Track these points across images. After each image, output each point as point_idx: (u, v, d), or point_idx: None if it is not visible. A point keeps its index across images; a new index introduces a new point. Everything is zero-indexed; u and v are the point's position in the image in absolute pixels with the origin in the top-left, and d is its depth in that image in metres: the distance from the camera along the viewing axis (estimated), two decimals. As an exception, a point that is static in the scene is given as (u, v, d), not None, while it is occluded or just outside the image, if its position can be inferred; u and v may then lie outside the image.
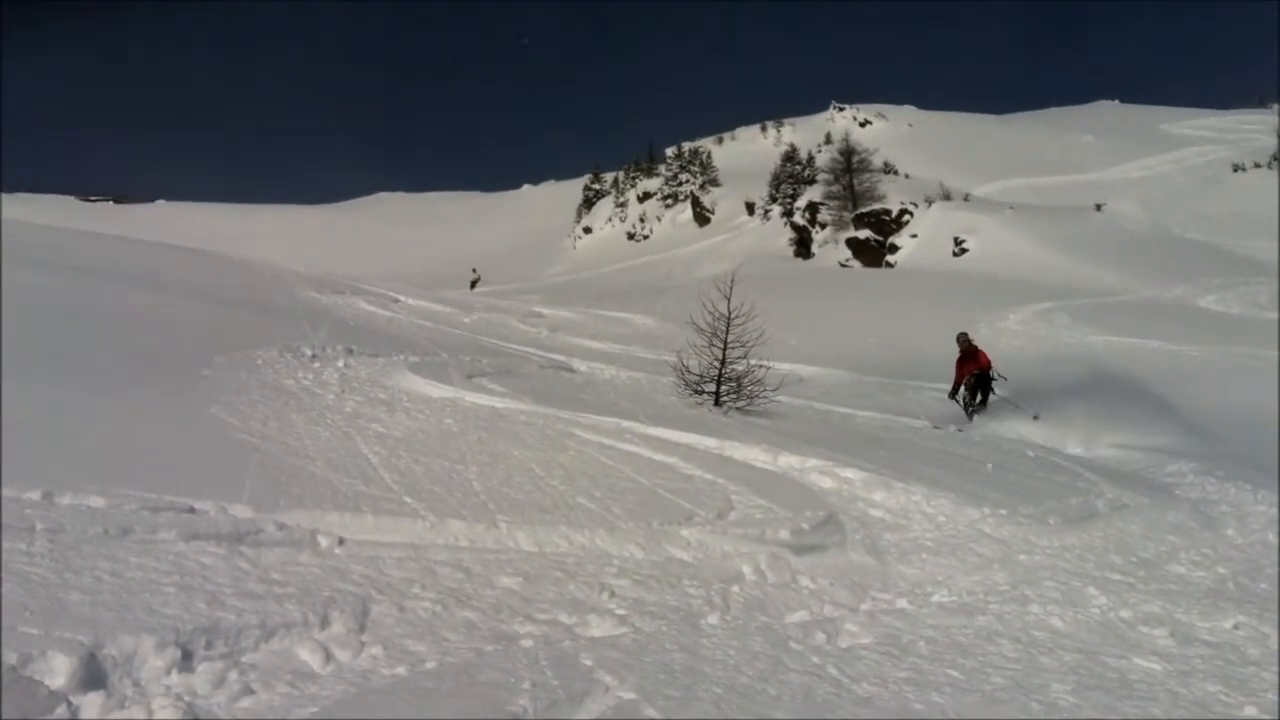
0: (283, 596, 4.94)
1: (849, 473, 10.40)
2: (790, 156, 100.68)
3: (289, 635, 4.53)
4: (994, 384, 19.69)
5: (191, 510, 6.09)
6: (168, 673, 4.05)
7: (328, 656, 4.40)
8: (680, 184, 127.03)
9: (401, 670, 4.38)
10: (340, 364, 14.41)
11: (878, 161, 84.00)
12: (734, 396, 16.70)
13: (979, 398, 19.49)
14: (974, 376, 19.47)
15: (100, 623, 4.22)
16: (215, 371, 11.82)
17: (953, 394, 19.77)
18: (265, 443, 8.57)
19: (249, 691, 4.03)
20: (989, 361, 19.68)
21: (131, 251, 27.70)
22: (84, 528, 5.43)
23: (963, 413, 19.60)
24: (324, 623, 4.72)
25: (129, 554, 5.16)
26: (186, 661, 4.14)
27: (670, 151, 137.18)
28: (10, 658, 3.76)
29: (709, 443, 11.74)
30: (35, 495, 5.78)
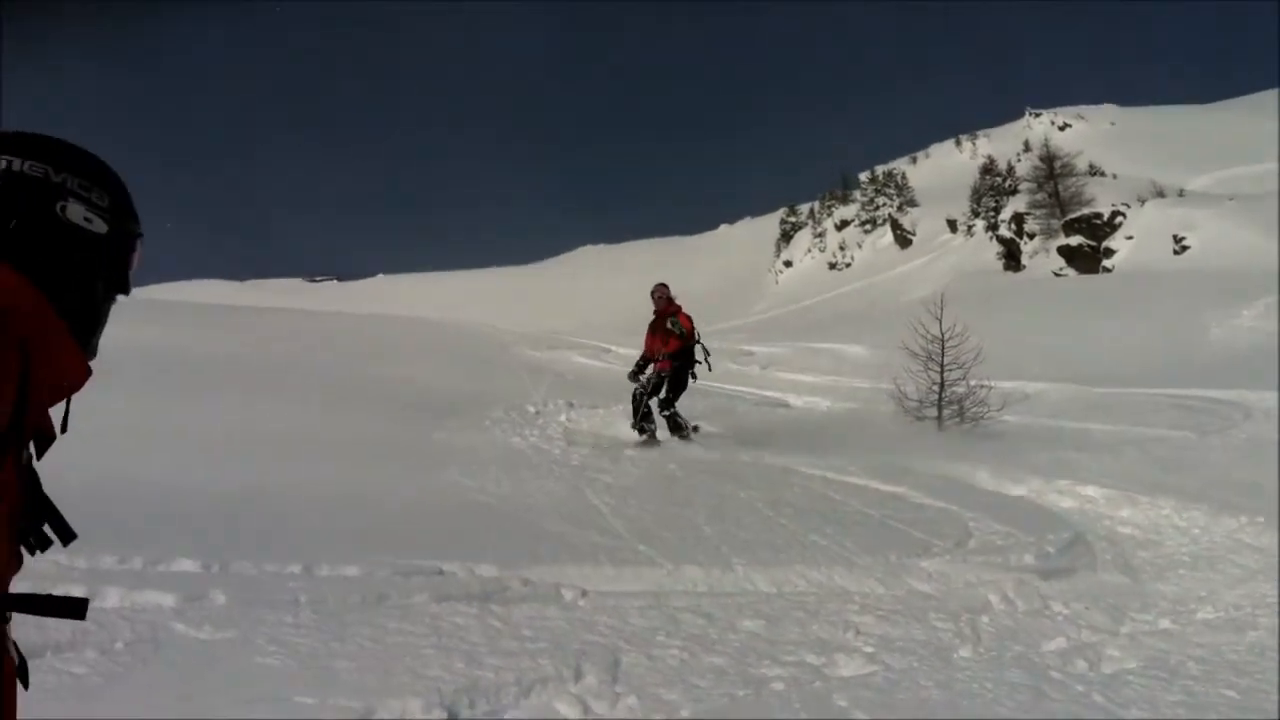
0: (535, 652, 5.05)
1: (1090, 490, 10.02)
2: (989, 168, 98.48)
3: (545, 690, 4.62)
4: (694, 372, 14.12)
5: (440, 572, 6.31)
6: (435, 735, 4.18)
7: (585, 709, 4.46)
8: (877, 208, 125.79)
9: (658, 719, 4.41)
10: (562, 418, 14.74)
11: (1082, 164, 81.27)
12: (957, 420, 16.33)
13: (663, 392, 13.82)
14: (661, 356, 13.84)
15: (368, 688, 4.40)
16: (447, 435, 12.26)
17: (633, 374, 14.15)
18: (501, 502, 8.83)
19: (513, 748, 4.13)
20: (691, 330, 13.88)
21: (357, 327, 29.03)
22: (343, 596, 5.69)
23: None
24: (578, 675, 4.79)
25: (387, 619, 5.37)
26: (452, 721, 4.27)
27: (864, 176, 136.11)
28: (291, 727, 3.95)
29: (936, 468, 11.50)
30: (296, 569, 6.10)
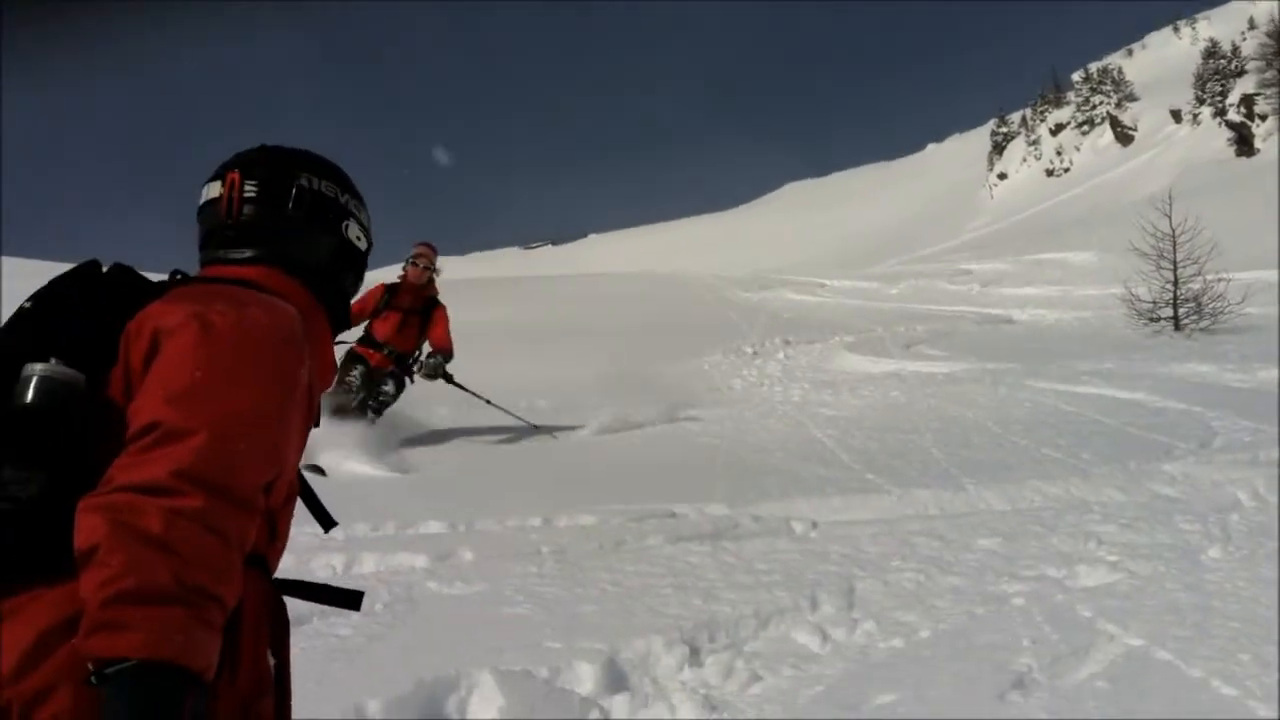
0: (770, 584, 5.12)
1: (1343, 375, 9.45)
2: (1212, 52, 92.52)
3: (783, 620, 4.68)
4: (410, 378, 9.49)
5: (673, 515, 6.45)
6: (680, 669, 4.29)
7: (824, 637, 4.51)
8: (1094, 108, 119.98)
9: (898, 642, 4.42)
10: (780, 356, 14.76)
11: (1315, 33, 75.47)
12: (1195, 318, 15.62)
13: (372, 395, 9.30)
14: (385, 350, 9.30)
15: (612, 629, 4.55)
16: (671, 381, 12.46)
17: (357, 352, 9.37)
18: (726, 442, 8.94)
19: (757, 678, 4.20)
20: (442, 334, 9.33)
21: (574, 287, 29.66)
22: (582, 544, 5.89)
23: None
24: (814, 605, 4.84)
25: (625, 563, 5.54)
26: (695, 656, 4.37)
27: (1077, 76, 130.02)
28: (542, 671, 4.14)
29: (1175, 370, 11.04)
30: (536, 521, 6.35)
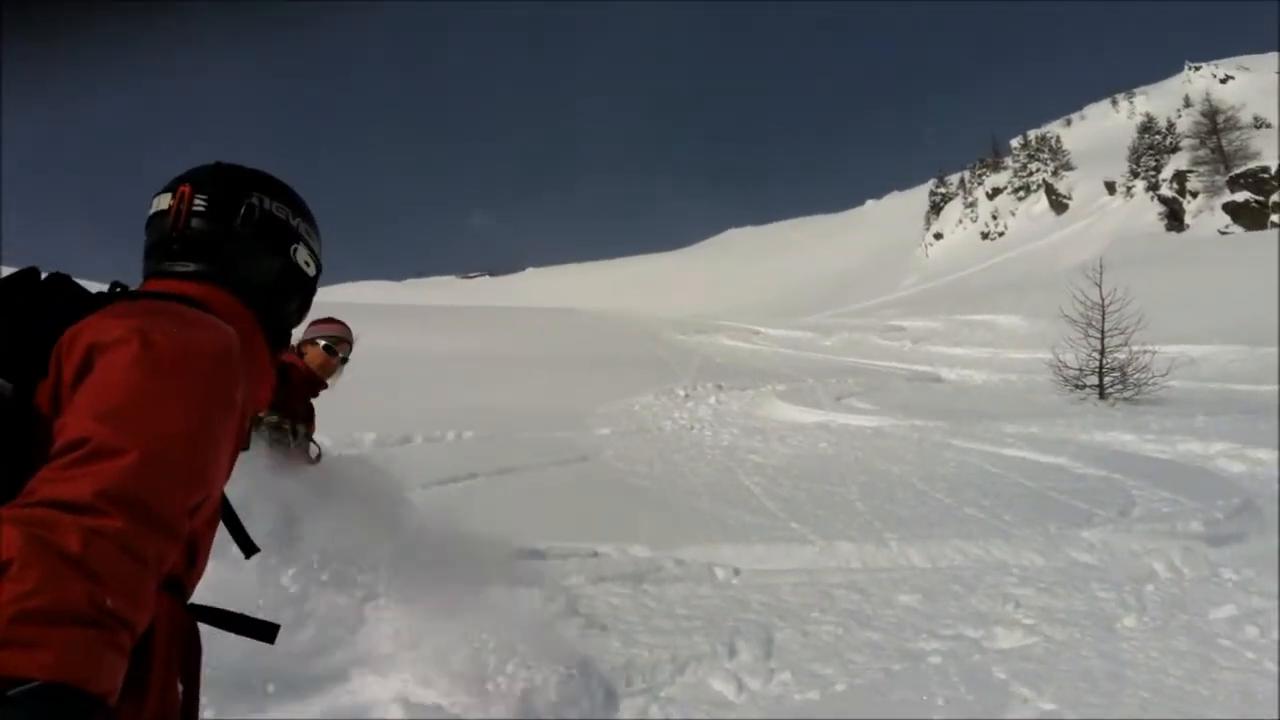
0: (690, 630, 5.10)
1: (1261, 454, 9.64)
2: (1148, 127, 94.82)
3: (701, 667, 4.66)
4: None
5: (595, 554, 6.42)
6: (594, 712, 4.25)
7: (740, 685, 4.49)
8: (1031, 174, 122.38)
9: (813, 694, 4.41)
10: (712, 400, 14.80)
11: (1246, 117, 77.86)
12: (1119, 387, 15.92)
13: None
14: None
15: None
16: (599, 421, 12.42)
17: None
18: (654, 484, 8.92)
19: (671, 724, 4.17)
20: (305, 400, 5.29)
21: (510, 320, 29.55)
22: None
23: None
24: (732, 652, 4.83)
25: (545, 601, 5.48)
26: (610, 700, 4.34)
27: (1015, 142, 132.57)
28: (455, 707, 4.07)
29: (1098, 438, 11.21)
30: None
